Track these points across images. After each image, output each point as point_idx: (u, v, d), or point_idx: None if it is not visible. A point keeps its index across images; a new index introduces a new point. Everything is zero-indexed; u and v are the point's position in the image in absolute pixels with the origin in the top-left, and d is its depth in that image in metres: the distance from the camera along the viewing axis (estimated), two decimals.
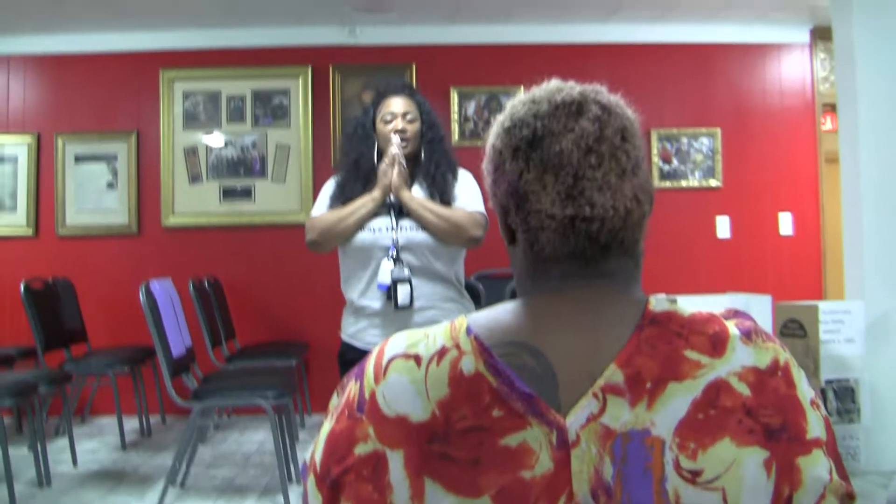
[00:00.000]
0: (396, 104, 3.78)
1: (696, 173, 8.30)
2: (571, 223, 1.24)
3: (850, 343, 2.49)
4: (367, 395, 1.20)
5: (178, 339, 5.52)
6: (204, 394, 5.27)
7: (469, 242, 3.65)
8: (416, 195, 3.68)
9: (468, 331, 1.21)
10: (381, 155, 3.78)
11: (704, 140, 8.32)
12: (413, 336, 1.24)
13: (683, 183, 8.28)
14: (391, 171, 3.65)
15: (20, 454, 6.30)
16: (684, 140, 8.30)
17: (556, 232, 1.25)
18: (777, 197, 8.29)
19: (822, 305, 2.49)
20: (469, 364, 1.16)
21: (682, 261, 7.86)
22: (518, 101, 1.34)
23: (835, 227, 7.34)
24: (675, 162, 8.28)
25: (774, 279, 8.00)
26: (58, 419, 7.29)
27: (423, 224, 3.62)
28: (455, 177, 3.80)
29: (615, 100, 1.33)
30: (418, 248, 3.62)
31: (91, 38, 8.21)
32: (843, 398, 2.50)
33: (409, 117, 3.75)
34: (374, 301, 3.63)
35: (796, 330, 2.54)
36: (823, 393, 2.49)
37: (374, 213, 3.67)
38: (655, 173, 8.20)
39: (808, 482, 1.12)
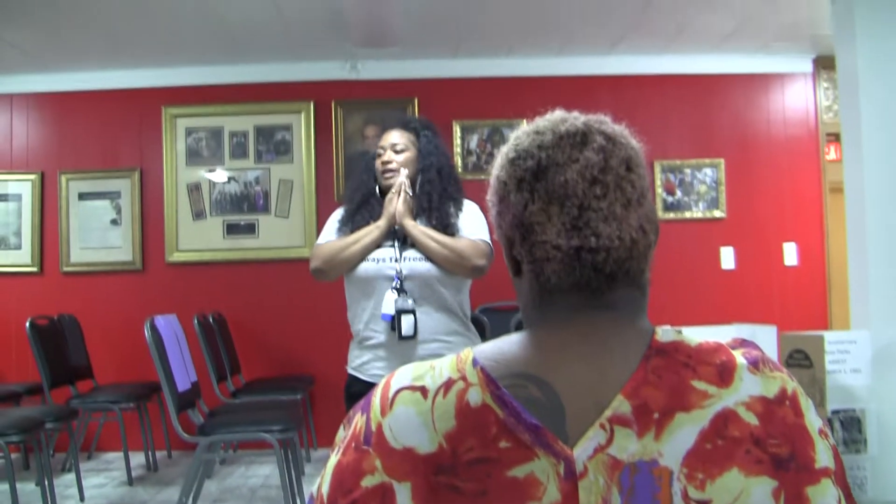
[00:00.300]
0: (389, 137, 3.83)
1: (700, 204, 8.30)
2: (577, 254, 1.23)
3: (856, 373, 2.48)
4: (373, 428, 1.19)
5: (184, 375, 5.51)
6: (209, 429, 5.26)
7: (473, 272, 3.64)
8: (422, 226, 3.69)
9: (474, 362, 1.20)
10: (380, 187, 3.82)
11: (708, 171, 8.32)
12: (419, 368, 1.24)
13: (687, 214, 8.28)
14: (396, 199, 3.67)
15: (28, 489, 6.29)
16: (688, 171, 8.31)
17: (561, 263, 1.24)
18: (781, 227, 8.28)
19: (828, 335, 2.48)
20: (476, 396, 1.15)
21: (687, 292, 7.84)
22: (522, 132, 1.34)
23: (840, 257, 7.34)
24: (678, 193, 8.28)
25: (780, 309, 7.98)
26: (64, 455, 7.27)
27: (426, 253, 3.62)
28: (459, 208, 3.80)
29: (620, 130, 1.33)
30: (422, 279, 3.62)
31: (93, 76, 8.25)
32: (849, 428, 2.49)
33: (398, 148, 3.77)
34: (378, 331, 3.63)
35: (802, 360, 2.52)
36: (830, 423, 2.47)
37: (379, 243, 3.68)
38: (659, 204, 8.20)
39: None
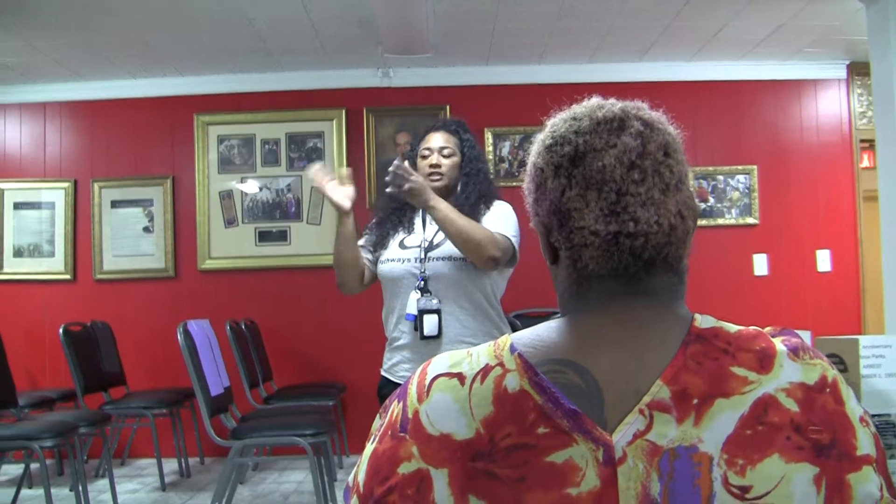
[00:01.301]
0: (435, 139, 3.81)
1: (733, 211, 8.27)
2: (615, 239, 1.23)
3: (891, 378, 2.46)
4: (410, 415, 1.19)
5: (216, 379, 5.54)
6: (242, 432, 5.29)
7: (487, 262, 3.58)
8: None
9: (512, 349, 1.20)
10: None
11: (741, 178, 8.29)
12: (456, 356, 1.24)
13: (720, 221, 8.25)
14: (406, 175, 3.57)
15: (62, 494, 6.38)
16: (720, 178, 8.28)
17: (599, 249, 1.24)
18: (815, 234, 8.25)
19: (863, 340, 2.47)
20: (513, 382, 1.15)
21: (721, 298, 7.80)
22: (559, 119, 1.34)
23: (874, 265, 7.30)
24: (711, 200, 8.26)
25: (813, 316, 7.94)
26: (98, 461, 7.30)
27: (445, 232, 3.60)
28: (489, 206, 3.79)
29: (657, 116, 1.32)
30: (448, 279, 3.63)
31: (125, 84, 8.30)
32: (884, 434, 2.47)
33: (445, 152, 3.77)
34: (405, 332, 3.67)
35: (837, 364, 2.51)
36: None
37: (339, 232, 3.73)
38: None
39: (859, 498, 1.11)
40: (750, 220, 8.26)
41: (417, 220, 3.82)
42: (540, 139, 1.35)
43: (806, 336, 2.64)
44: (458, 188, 3.80)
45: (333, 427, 5.75)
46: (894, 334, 5.02)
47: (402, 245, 3.74)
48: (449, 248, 3.66)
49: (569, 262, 1.29)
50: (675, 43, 7.65)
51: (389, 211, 3.85)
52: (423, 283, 3.61)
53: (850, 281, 8.24)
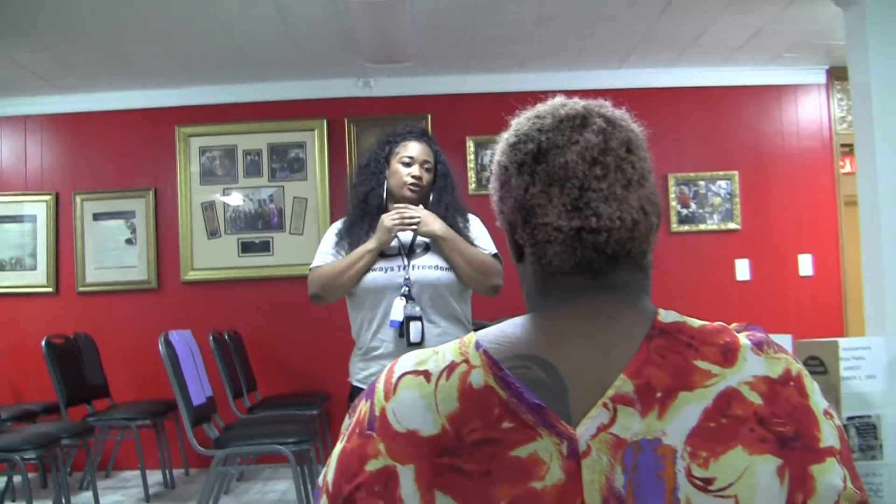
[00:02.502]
0: (417, 150, 3.79)
1: (715, 216, 8.30)
2: (578, 235, 1.24)
3: (871, 379, 2.47)
4: (377, 413, 1.19)
5: (199, 389, 5.54)
6: (224, 441, 5.28)
7: (490, 290, 3.68)
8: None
9: (477, 345, 1.21)
10: (389, 193, 3.80)
11: (722, 183, 8.32)
12: (422, 354, 1.24)
13: (702, 226, 8.27)
14: (394, 227, 3.65)
15: None
16: (702, 184, 8.30)
17: (562, 244, 1.25)
18: (797, 239, 8.28)
19: (843, 342, 2.47)
20: (478, 377, 1.16)
21: (703, 304, 7.81)
22: (523, 118, 1.36)
23: (855, 269, 7.32)
24: (693, 206, 8.28)
25: (796, 320, 7.96)
26: (82, 474, 7.30)
27: (453, 263, 3.65)
28: (466, 220, 3.82)
29: (620, 113, 1.34)
30: (431, 287, 3.64)
31: (107, 97, 8.30)
32: (865, 435, 2.48)
33: (427, 166, 3.78)
34: (387, 340, 3.65)
35: (817, 367, 2.52)
36: (845, 430, 2.46)
37: (372, 265, 3.68)
38: (674, 217, 8.20)
39: (822, 490, 1.11)
40: (731, 226, 8.28)
41: None
42: (504, 137, 1.36)
43: (787, 340, 2.65)
44: (431, 199, 3.80)
45: (316, 435, 5.75)
46: (874, 336, 5.06)
47: (382, 254, 3.71)
48: (433, 256, 3.69)
49: (533, 258, 1.30)
50: (654, 49, 7.68)
51: (360, 215, 3.82)
52: (407, 289, 3.62)
53: (831, 285, 8.26)
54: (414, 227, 3.65)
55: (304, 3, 6.28)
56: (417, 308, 3.61)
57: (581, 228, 1.23)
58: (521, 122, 1.35)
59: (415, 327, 3.58)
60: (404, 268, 3.66)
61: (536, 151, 1.27)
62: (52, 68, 7.54)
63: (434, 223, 3.64)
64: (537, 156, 1.27)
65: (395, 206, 3.73)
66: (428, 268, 3.66)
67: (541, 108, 1.35)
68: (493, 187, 1.38)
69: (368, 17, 6.31)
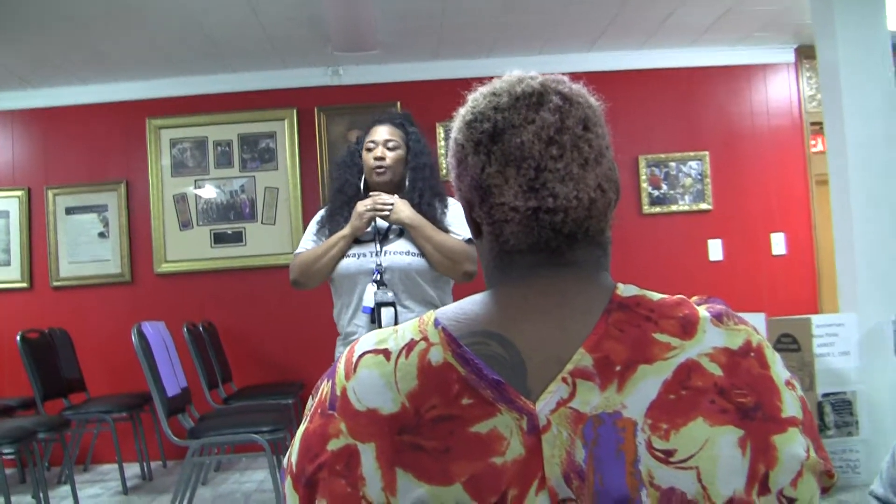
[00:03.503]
0: (380, 132, 3.81)
1: (686, 197, 8.31)
2: (535, 215, 1.24)
3: (844, 356, 2.48)
4: (338, 392, 1.19)
5: (173, 380, 5.54)
6: (199, 432, 5.29)
7: (464, 277, 3.68)
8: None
9: (436, 323, 1.21)
10: (366, 183, 3.83)
11: (693, 164, 8.33)
12: (382, 333, 1.25)
13: (674, 207, 8.29)
14: (365, 213, 3.70)
15: (23, 502, 6.30)
16: (673, 165, 8.32)
17: (520, 224, 1.25)
18: (769, 218, 8.30)
19: (815, 319, 2.49)
20: (437, 355, 1.16)
21: (676, 285, 7.80)
22: (479, 94, 1.34)
23: (828, 247, 7.34)
24: (664, 187, 8.29)
25: (770, 298, 7.98)
26: (60, 468, 7.29)
27: (421, 250, 3.66)
28: (445, 205, 3.82)
29: (577, 89, 1.33)
30: (402, 272, 3.66)
31: (77, 91, 8.27)
32: (840, 411, 2.49)
33: (390, 145, 3.77)
34: (361, 326, 3.67)
35: (790, 344, 2.53)
36: (821, 407, 2.47)
37: (346, 251, 3.73)
38: (645, 199, 8.21)
39: (785, 460, 1.11)
40: (703, 206, 8.30)
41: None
42: (461, 114, 1.35)
43: (760, 318, 2.65)
44: (407, 184, 3.81)
45: (292, 423, 5.77)
46: (847, 313, 5.07)
47: (356, 240, 3.75)
48: (405, 242, 3.71)
49: (491, 237, 1.31)
50: (623, 32, 7.68)
51: (339, 204, 3.86)
52: (378, 276, 3.63)
53: (805, 264, 8.30)
54: (386, 213, 3.66)
55: None
56: (390, 294, 3.62)
57: (538, 209, 1.23)
58: (477, 98, 1.33)
59: (387, 313, 3.59)
60: (377, 254, 3.68)
61: (492, 131, 1.27)
62: (22, 63, 7.50)
63: (403, 210, 3.66)
64: (493, 135, 1.26)
65: (371, 193, 3.75)
66: (399, 253, 3.67)
67: (497, 84, 1.33)
68: (450, 164, 1.37)
69: (335, 4, 6.30)
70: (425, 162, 3.84)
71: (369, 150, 3.79)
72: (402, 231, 3.73)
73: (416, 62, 8.22)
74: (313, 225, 3.95)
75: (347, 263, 3.71)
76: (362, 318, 3.65)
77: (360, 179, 3.85)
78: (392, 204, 3.68)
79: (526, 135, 1.25)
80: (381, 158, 3.76)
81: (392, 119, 3.91)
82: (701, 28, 7.67)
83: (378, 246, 3.70)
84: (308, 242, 3.89)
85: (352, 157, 3.93)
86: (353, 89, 8.27)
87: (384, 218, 3.69)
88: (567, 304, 1.22)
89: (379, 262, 3.65)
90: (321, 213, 3.98)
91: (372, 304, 3.60)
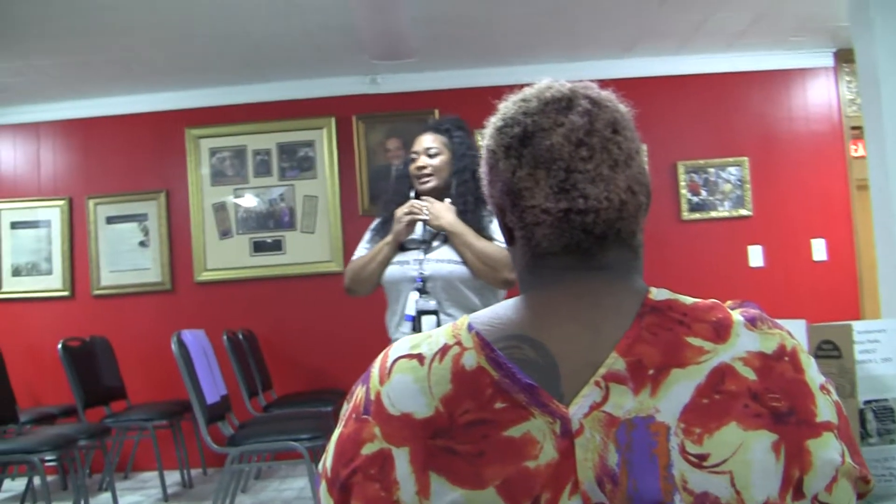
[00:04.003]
0: (421, 141, 3.84)
1: (726, 203, 8.27)
2: (566, 216, 1.24)
3: (886, 362, 2.46)
4: (372, 397, 1.20)
5: (213, 387, 5.56)
6: (239, 439, 5.31)
7: (503, 284, 3.66)
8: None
9: (469, 328, 1.22)
10: (416, 193, 3.86)
11: (732, 170, 8.29)
12: (416, 338, 1.25)
13: (713, 214, 8.25)
14: (405, 219, 3.73)
15: None
16: (712, 171, 8.28)
17: (551, 226, 1.25)
18: (809, 223, 8.23)
19: (857, 325, 2.46)
20: (471, 359, 1.17)
21: (716, 291, 7.71)
22: (509, 101, 1.36)
23: (870, 252, 7.27)
24: (703, 193, 8.26)
25: (811, 305, 7.91)
26: (101, 475, 7.35)
27: (462, 258, 3.66)
28: (492, 214, 3.82)
29: (606, 94, 1.34)
30: (445, 280, 3.65)
31: (117, 101, 8.35)
32: (882, 419, 2.47)
33: (431, 152, 3.78)
34: (405, 333, 3.64)
35: (831, 351, 2.51)
36: (862, 414, 2.45)
37: (391, 257, 3.76)
38: (684, 205, 8.18)
39: (819, 465, 1.11)
40: (743, 212, 8.26)
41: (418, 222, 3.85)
42: (492, 122, 1.36)
43: (800, 325, 2.64)
44: (452, 188, 3.81)
45: (331, 431, 5.73)
46: (889, 319, 5.01)
47: (402, 247, 3.78)
48: (448, 249, 3.70)
49: (523, 241, 1.31)
50: (659, 37, 7.66)
51: (390, 211, 3.87)
52: (421, 283, 3.64)
53: (846, 270, 8.22)
54: (424, 218, 3.68)
55: (311, 0, 6.29)
56: (432, 302, 3.63)
57: (569, 210, 1.24)
58: (507, 105, 1.35)
59: (428, 321, 3.59)
60: (420, 261, 3.69)
61: (522, 135, 1.28)
62: (66, 73, 7.59)
63: (444, 216, 3.66)
64: (523, 139, 1.28)
65: (422, 197, 3.79)
66: (442, 261, 3.67)
67: (527, 91, 1.35)
68: (482, 171, 1.39)
69: (367, 12, 6.32)
70: (466, 165, 3.79)
71: (413, 160, 3.82)
72: (447, 238, 3.73)
73: (454, 70, 8.22)
74: (368, 233, 3.99)
75: (392, 271, 3.73)
76: (407, 326, 3.66)
77: (410, 188, 3.88)
78: (426, 207, 3.70)
79: (555, 137, 1.26)
80: (423, 167, 3.78)
81: (437, 126, 3.92)
82: (736, 33, 7.63)
83: (422, 253, 3.72)
84: (361, 250, 3.92)
85: (406, 166, 3.96)
86: (392, 97, 8.29)
87: (425, 223, 3.71)
88: (599, 307, 1.23)
89: (421, 270, 3.66)
90: (376, 220, 4.01)
91: (413, 312, 3.62)
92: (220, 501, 5.40)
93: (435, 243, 3.74)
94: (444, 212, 3.69)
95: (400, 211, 3.74)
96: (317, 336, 8.13)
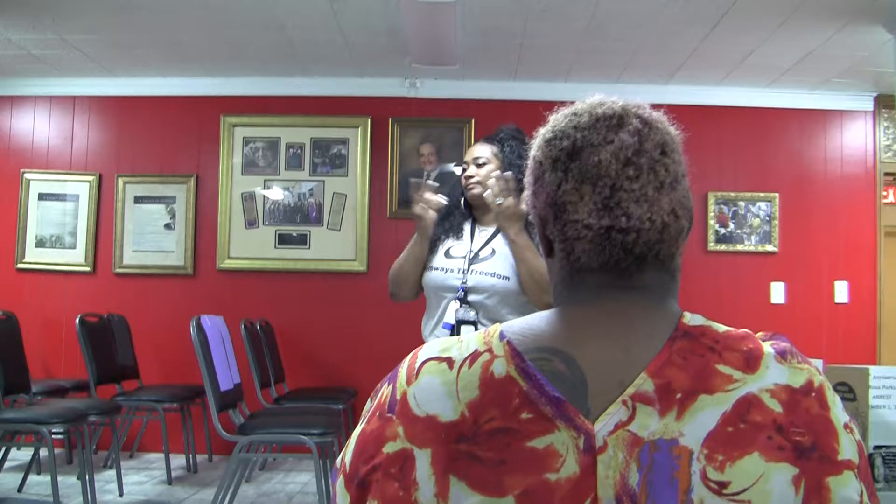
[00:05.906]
0: (471, 151, 3.89)
1: (753, 238, 8.25)
2: (607, 234, 1.24)
3: None
4: (398, 396, 1.21)
5: (227, 375, 5.57)
6: (249, 428, 5.31)
7: (544, 306, 3.63)
8: (498, 244, 3.71)
9: (501, 336, 1.22)
10: (466, 200, 3.88)
11: (762, 205, 8.27)
12: (447, 342, 1.25)
13: (739, 247, 8.23)
14: (427, 212, 3.74)
15: (69, 482, 6.40)
16: (742, 204, 8.26)
17: (592, 242, 1.26)
18: (834, 265, 8.21)
19: (874, 370, 2.46)
20: (500, 367, 1.17)
21: (736, 324, 7.63)
22: (560, 115, 1.36)
23: (892, 299, 7.25)
24: (731, 226, 8.24)
25: (828, 346, 7.90)
26: (107, 452, 7.37)
27: (507, 276, 3.63)
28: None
29: (657, 115, 1.34)
30: (486, 293, 3.62)
31: (154, 82, 8.38)
32: (891, 465, 2.46)
33: (479, 161, 3.78)
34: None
35: (846, 393, 2.50)
36: (871, 459, 2.44)
37: (418, 254, 3.77)
38: (711, 236, 8.16)
39: (837, 502, 1.10)
40: (769, 248, 8.24)
41: (466, 228, 3.84)
42: (541, 133, 1.36)
43: (818, 365, 2.63)
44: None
45: (341, 429, 5.76)
46: None
47: (447, 254, 3.76)
48: (494, 263, 3.67)
49: (562, 254, 1.31)
50: (702, 67, 7.65)
51: (441, 217, 3.87)
52: (463, 293, 3.63)
53: (866, 314, 8.19)
54: (498, 204, 3.60)
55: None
56: (472, 312, 3.60)
57: (611, 227, 1.24)
58: (558, 118, 1.35)
59: (466, 332, 3.57)
60: (464, 271, 3.68)
61: (571, 149, 1.28)
62: (103, 51, 7.61)
63: (515, 221, 3.59)
64: (571, 153, 1.28)
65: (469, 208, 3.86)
66: (485, 274, 3.64)
67: (579, 105, 1.35)
68: (527, 181, 1.39)
69: (418, 17, 6.32)
70: (517, 177, 3.83)
71: (464, 170, 3.85)
72: (494, 251, 3.71)
73: (493, 80, 8.22)
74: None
75: (434, 276, 3.73)
76: (443, 334, 3.62)
77: (461, 195, 3.89)
78: (473, 187, 3.75)
79: (604, 154, 1.26)
80: (471, 176, 3.78)
81: (491, 136, 3.94)
82: (780, 69, 7.61)
83: (467, 263, 3.70)
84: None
85: (454, 178, 4.00)
86: (429, 103, 8.30)
87: (493, 206, 3.62)
88: (633, 327, 1.23)
89: (464, 280, 3.65)
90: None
91: (453, 322, 3.61)
92: (225, 489, 5.41)
93: (483, 254, 3.72)
94: (517, 217, 3.62)
95: (417, 208, 3.76)
96: (333, 334, 8.14)
